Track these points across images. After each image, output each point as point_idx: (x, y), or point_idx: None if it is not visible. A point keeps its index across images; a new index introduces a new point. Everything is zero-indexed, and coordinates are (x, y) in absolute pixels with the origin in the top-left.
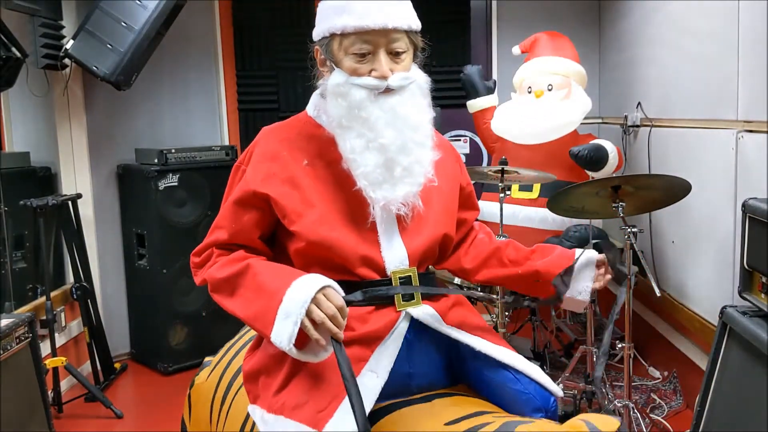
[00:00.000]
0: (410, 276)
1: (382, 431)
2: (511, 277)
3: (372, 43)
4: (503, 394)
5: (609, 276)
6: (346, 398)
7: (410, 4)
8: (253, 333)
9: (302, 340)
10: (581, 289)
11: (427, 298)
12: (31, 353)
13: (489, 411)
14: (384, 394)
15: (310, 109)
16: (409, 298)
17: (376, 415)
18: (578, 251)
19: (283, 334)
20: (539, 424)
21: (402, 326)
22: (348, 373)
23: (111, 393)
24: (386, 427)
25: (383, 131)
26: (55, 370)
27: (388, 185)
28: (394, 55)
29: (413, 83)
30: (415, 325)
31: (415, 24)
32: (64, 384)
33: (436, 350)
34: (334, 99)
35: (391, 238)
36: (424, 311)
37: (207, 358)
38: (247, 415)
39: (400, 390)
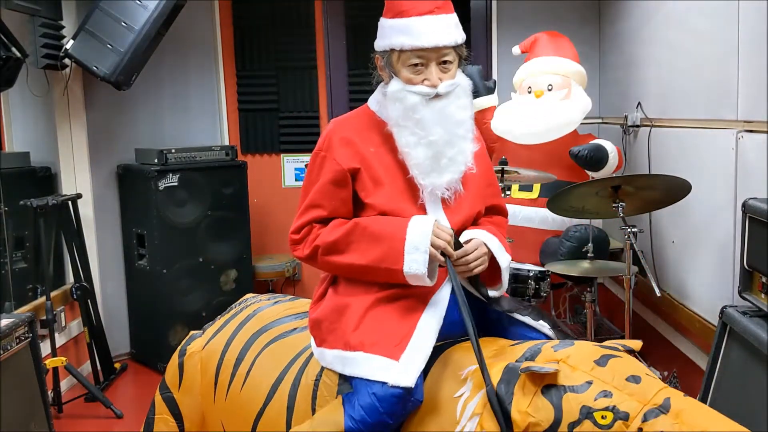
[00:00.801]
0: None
1: (448, 359)
2: None
3: (425, 57)
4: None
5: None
6: (415, 334)
7: (457, 19)
8: (251, 309)
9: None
10: None
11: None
12: (31, 353)
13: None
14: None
15: (373, 104)
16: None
17: (438, 350)
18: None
19: (418, 262)
20: (584, 342)
21: (449, 284)
22: (458, 282)
23: (111, 393)
24: (458, 351)
25: (432, 129)
26: (55, 370)
27: (436, 174)
28: (443, 64)
29: (458, 87)
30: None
31: (461, 38)
32: (64, 384)
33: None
34: (392, 102)
35: (437, 214)
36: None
37: (193, 332)
38: (284, 371)
39: (445, 334)
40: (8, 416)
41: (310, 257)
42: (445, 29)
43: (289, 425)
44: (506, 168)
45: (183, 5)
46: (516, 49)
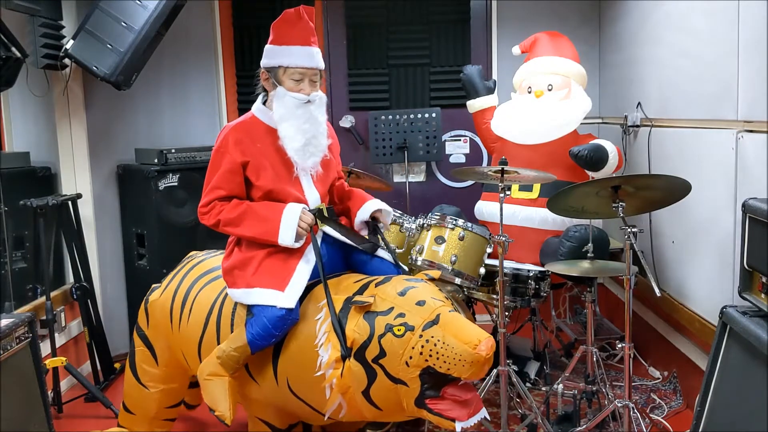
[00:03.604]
0: (322, 208)
1: (315, 293)
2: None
3: (304, 74)
4: (376, 272)
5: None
6: (295, 273)
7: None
8: (194, 262)
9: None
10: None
11: (333, 220)
12: (31, 353)
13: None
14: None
15: (256, 112)
16: (322, 218)
17: (308, 288)
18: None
19: (288, 237)
20: (396, 278)
21: (319, 234)
22: (317, 248)
23: (111, 393)
24: (320, 289)
25: (304, 126)
26: (55, 370)
27: (306, 156)
28: (313, 81)
29: (321, 98)
30: (327, 236)
31: (323, 65)
32: (64, 384)
33: (337, 249)
34: (278, 102)
35: (310, 186)
36: (331, 228)
37: (154, 285)
38: (212, 305)
39: (315, 276)
40: (8, 416)
41: (214, 225)
42: (317, 57)
43: (219, 343)
44: (506, 168)
45: (183, 5)
46: (516, 49)
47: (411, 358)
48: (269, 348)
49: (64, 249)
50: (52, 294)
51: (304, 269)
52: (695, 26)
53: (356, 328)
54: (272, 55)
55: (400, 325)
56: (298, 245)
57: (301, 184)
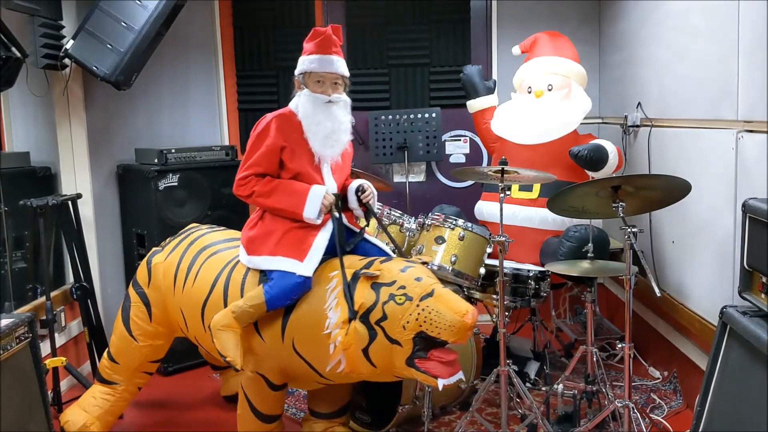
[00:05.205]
0: (336, 195)
1: (326, 266)
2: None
3: (325, 78)
4: (366, 254)
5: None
6: (312, 247)
7: (344, 61)
8: (195, 235)
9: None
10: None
11: (344, 210)
12: (31, 353)
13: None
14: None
15: (293, 106)
16: (336, 208)
17: (322, 261)
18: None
19: (312, 212)
20: (396, 258)
21: (333, 218)
22: (338, 224)
23: None
24: (331, 263)
25: (325, 123)
26: (55, 370)
27: (325, 148)
28: (334, 84)
29: (342, 101)
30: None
31: (346, 72)
32: (64, 384)
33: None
34: (304, 101)
35: (329, 176)
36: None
37: (155, 248)
38: (219, 272)
39: (329, 252)
40: (8, 416)
41: (247, 196)
42: (337, 64)
43: (225, 305)
44: (506, 168)
45: (183, 5)
46: (516, 49)
47: (408, 323)
48: (281, 309)
49: (64, 249)
50: (52, 294)
51: (320, 243)
52: (695, 26)
53: (364, 294)
54: (301, 63)
55: (401, 295)
56: (318, 221)
57: (322, 174)
